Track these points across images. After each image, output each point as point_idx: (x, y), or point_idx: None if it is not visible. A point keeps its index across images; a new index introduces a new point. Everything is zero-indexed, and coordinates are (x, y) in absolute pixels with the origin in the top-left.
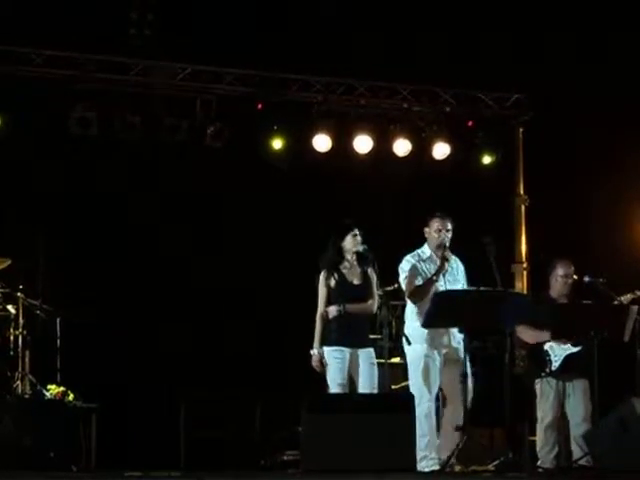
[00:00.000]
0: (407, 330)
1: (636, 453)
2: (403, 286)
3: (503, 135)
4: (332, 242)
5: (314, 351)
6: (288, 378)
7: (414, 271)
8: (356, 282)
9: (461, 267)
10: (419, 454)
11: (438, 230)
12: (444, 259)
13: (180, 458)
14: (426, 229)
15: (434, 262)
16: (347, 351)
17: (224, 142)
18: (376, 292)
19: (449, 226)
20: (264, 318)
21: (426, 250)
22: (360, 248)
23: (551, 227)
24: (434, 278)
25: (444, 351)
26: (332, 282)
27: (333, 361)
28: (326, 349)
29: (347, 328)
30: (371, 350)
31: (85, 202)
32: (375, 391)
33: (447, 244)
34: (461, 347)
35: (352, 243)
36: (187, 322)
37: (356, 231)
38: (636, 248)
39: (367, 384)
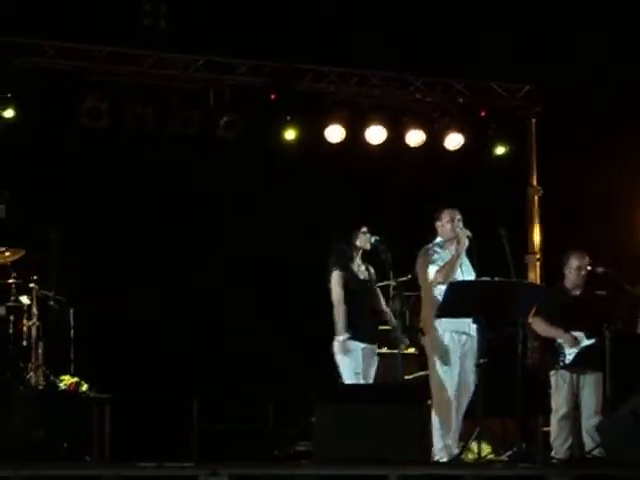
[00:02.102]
0: (425, 318)
1: None
2: (424, 273)
3: (516, 126)
4: (344, 241)
5: (341, 337)
6: (301, 370)
7: (436, 257)
8: (365, 278)
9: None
10: (439, 443)
11: (451, 220)
12: (465, 239)
13: (193, 449)
14: (437, 223)
15: (451, 253)
16: (360, 345)
17: (237, 133)
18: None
19: (459, 216)
20: (277, 309)
21: (440, 243)
22: (373, 239)
23: (564, 218)
24: (458, 253)
25: (464, 340)
26: (346, 280)
27: (348, 353)
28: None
29: (360, 323)
30: (375, 347)
31: (97, 193)
32: None
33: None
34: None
35: (363, 240)
36: (200, 315)
37: (364, 228)
38: None
39: (368, 380)
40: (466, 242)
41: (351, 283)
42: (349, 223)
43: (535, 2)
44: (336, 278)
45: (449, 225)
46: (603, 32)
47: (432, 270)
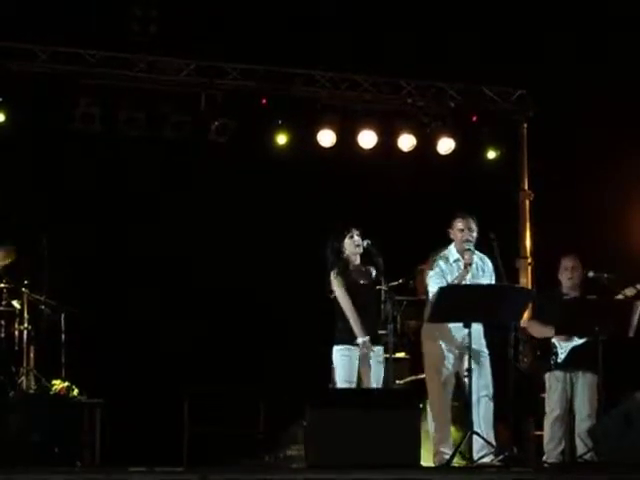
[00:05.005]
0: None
1: None
2: (429, 286)
3: (507, 130)
4: (331, 247)
5: (363, 339)
6: (292, 373)
7: (440, 272)
8: (363, 282)
9: (488, 265)
10: (434, 448)
11: (460, 230)
12: (466, 265)
13: (183, 454)
14: (450, 230)
15: (458, 265)
16: (356, 350)
17: (228, 137)
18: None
19: (473, 225)
20: (269, 313)
21: (453, 252)
22: (365, 243)
23: (555, 222)
24: (462, 276)
25: (459, 348)
26: (345, 285)
27: (341, 360)
28: (335, 348)
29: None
30: (380, 348)
31: (89, 197)
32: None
33: (472, 246)
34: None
35: (351, 245)
36: (191, 318)
37: (353, 232)
38: None
39: (373, 382)
40: (467, 274)
41: (349, 288)
42: (338, 228)
43: (527, 6)
44: (336, 283)
45: (459, 235)
46: (596, 36)
47: (430, 279)
